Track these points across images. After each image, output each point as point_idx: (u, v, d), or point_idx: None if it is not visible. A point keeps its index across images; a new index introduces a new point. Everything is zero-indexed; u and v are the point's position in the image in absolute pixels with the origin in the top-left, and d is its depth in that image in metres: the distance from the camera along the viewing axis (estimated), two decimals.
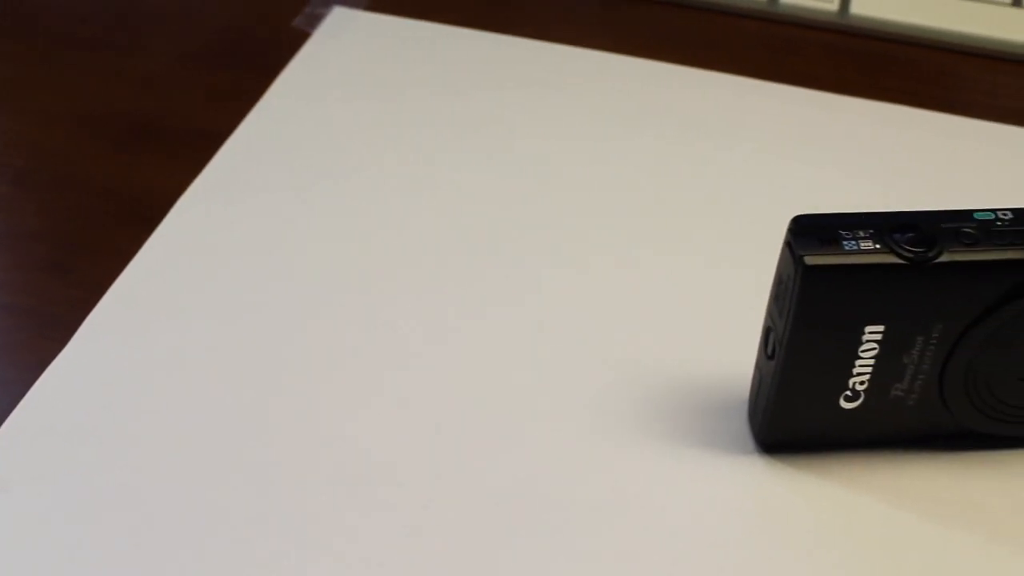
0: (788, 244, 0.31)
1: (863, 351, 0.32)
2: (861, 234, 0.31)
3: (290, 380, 0.36)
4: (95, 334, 0.37)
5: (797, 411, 0.34)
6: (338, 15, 0.51)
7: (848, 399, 0.33)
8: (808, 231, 0.31)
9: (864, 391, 0.33)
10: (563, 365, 0.37)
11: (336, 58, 0.49)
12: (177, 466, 0.34)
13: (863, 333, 0.32)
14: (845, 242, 0.31)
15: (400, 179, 0.43)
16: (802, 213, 0.32)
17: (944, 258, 0.31)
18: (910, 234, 0.31)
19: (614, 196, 0.43)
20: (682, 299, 0.39)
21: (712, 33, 0.52)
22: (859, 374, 0.33)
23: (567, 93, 0.48)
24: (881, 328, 0.32)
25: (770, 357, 0.33)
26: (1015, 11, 0.52)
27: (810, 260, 0.30)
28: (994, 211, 0.32)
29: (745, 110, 0.47)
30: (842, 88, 0.49)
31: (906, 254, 0.31)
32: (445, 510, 0.33)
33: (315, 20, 0.51)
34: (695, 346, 0.38)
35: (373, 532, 0.32)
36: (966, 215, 0.32)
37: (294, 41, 0.50)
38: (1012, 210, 0.32)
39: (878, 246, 0.31)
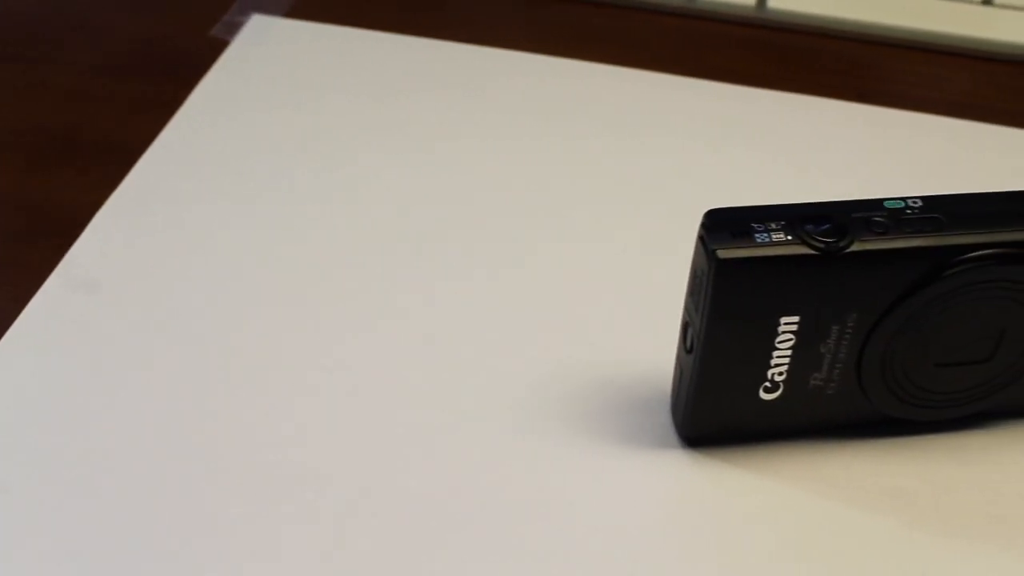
0: (701, 238, 0.31)
1: (779, 342, 0.32)
2: (773, 226, 0.31)
3: (214, 388, 0.36)
4: (12, 353, 0.37)
5: (718, 404, 0.34)
6: (257, 23, 0.51)
7: (767, 390, 0.33)
8: (721, 225, 0.31)
9: (783, 382, 0.33)
10: (488, 365, 0.37)
11: (255, 66, 0.49)
12: (96, 478, 0.33)
13: (779, 324, 0.32)
14: (757, 235, 0.31)
15: (322, 185, 0.43)
16: (715, 207, 0.32)
17: (855, 247, 0.31)
18: (821, 224, 0.31)
19: (536, 195, 0.43)
20: (605, 295, 0.39)
21: (633, 30, 0.53)
22: (777, 365, 0.33)
23: (489, 94, 0.48)
24: (796, 319, 0.32)
25: (689, 351, 0.33)
26: (931, 1, 0.53)
27: (722, 254, 0.31)
28: (904, 199, 0.32)
29: (666, 106, 0.48)
30: (762, 82, 0.50)
31: (817, 244, 0.31)
32: (371, 513, 0.33)
33: (234, 28, 0.51)
34: (618, 342, 0.38)
35: (298, 537, 0.32)
36: (876, 204, 0.32)
37: (213, 50, 0.50)
38: (922, 198, 0.32)
39: (790, 237, 0.31)
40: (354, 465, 0.34)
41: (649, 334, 0.37)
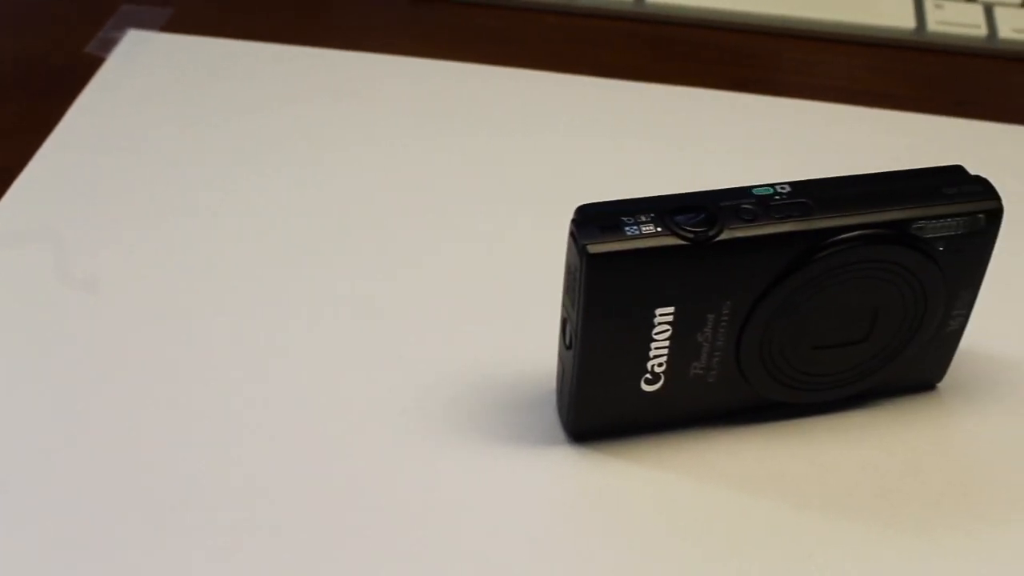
0: (572, 234, 0.31)
1: (656, 333, 0.32)
2: (643, 218, 0.31)
3: (100, 406, 0.35)
4: None
5: (601, 398, 0.34)
6: (133, 38, 0.50)
7: (649, 382, 0.33)
8: (591, 220, 0.31)
9: (663, 372, 0.33)
10: (373, 371, 0.37)
11: (133, 82, 0.48)
12: None
13: (654, 316, 0.32)
14: (627, 227, 0.31)
15: (207, 198, 0.43)
16: (587, 202, 0.32)
17: (724, 236, 0.31)
18: (690, 215, 0.31)
19: (419, 198, 0.43)
20: (486, 295, 0.39)
21: (515, 29, 0.53)
22: (656, 356, 0.33)
23: (371, 99, 0.48)
24: (671, 309, 0.32)
25: (569, 347, 0.33)
26: None
27: (593, 248, 0.31)
28: (773, 186, 0.33)
29: (548, 104, 0.48)
30: (643, 76, 0.50)
31: (687, 235, 0.31)
32: (262, 522, 0.32)
33: (109, 44, 0.50)
34: (501, 342, 0.38)
35: (189, 547, 0.32)
36: (745, 192, 0.32)
37: (89, 68, 0.49)
38: (791, 183, 0.33)
39: (659, 229, 0.31)
40: (243, 476, 0.34)
41: (532, 332, 0.37)
